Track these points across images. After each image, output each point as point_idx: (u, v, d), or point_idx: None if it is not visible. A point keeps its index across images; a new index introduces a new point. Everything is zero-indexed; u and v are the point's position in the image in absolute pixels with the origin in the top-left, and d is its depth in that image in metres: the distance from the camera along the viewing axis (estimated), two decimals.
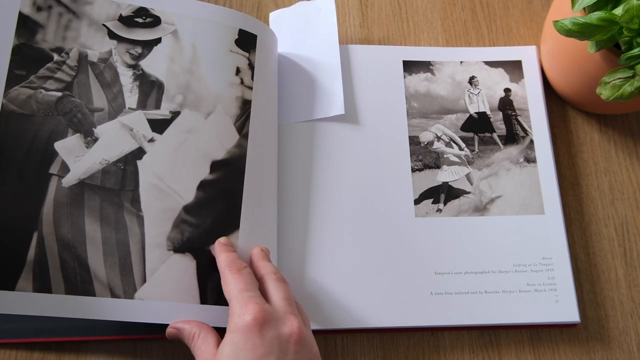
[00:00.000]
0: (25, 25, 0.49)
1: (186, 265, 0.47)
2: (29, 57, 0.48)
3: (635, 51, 0.46)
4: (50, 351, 0.50)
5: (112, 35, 0.51)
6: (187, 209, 0.48)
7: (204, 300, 0.46)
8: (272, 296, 0.44)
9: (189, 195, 0.49)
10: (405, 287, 0.52)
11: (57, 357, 0.50)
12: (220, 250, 0.47)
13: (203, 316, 0.46)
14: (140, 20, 0.51)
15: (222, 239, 0.48)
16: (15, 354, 0.50)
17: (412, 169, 0.57)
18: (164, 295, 0.46)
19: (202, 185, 0.49)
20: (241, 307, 0.42)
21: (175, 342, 0.48)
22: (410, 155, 0.57)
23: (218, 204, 0.49)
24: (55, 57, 0.49)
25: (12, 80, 0.47)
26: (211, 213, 0.49)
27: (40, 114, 0.47)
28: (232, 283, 0.44)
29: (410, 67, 0.61)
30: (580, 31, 0.47)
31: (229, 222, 0.49)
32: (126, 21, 0.51)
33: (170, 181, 0.48)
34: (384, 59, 0.61)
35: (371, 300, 0.52)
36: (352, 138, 0.57)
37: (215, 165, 0.50)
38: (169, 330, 0.45)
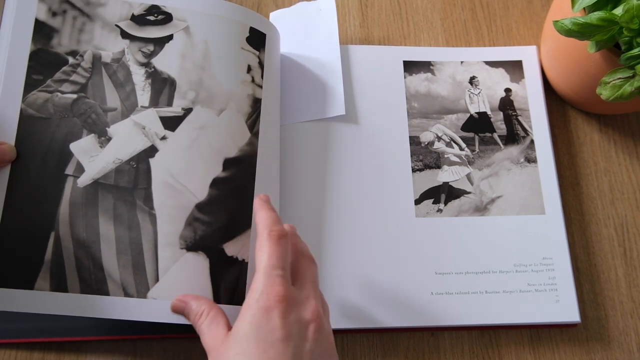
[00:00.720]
0: (42, 32, 0.49)
1: (199, 264, 0.47)
2: (45, 61, 0.49)
3: (635, 51, 0.46)
4: (50, 351, 0.50)
5: (124, 35, 0.51)
6: (199, 206, 0.48)
7: (217, 299, 0.46)
8: (301, 277, 0.43)
9: (202, 193, 0.48)
10: (405, 287, 0.52)
11: (57, 357, 0.50)
12: (260, 207, 0.45)
13: None
14: (152, 18, 0.51)
15: (262, 196, 0.46)
16: (15, 354, 0.50)
17: (412, 169, 0.57)
18: (177, 294, 0.45)
19: (215, 183, 0.49)
20: (267, 286, 0.40)
21: (175, 341, 0.48)
22: (411, 156, 0.57)
23: (231, 202, 0.49)
24: (71, 60, 0.49)
25: (30, 85, 0.48)
26: (223, 211, 0.48)
27: (57, 117, 0.48)
28: (266, 253, 0.41)
29: (410, 67, 0.61)
30: (580, 31, 0.47)
31: (241, 221, 0.48)
32: (138, 20, 0.51)
33: (182, 179, 0.48)
34: (384, 59, 0.61)
35: (371, 300, 0.52)
36: (353, 138, 0.57)
37: (227, 163, 0.50)
38: (175, 302, 0.44)
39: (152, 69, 0.50)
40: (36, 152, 0.47)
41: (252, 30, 0.54)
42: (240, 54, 0.53)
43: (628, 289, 0.55)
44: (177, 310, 0.44)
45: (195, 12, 0.52)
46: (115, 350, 0.50)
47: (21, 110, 0.47)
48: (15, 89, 0.47)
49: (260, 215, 0.44)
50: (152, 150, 0.48)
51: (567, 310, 0.52)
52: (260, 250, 0.42)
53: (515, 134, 0.59)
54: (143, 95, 0.50)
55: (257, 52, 0.54)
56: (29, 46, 0.48)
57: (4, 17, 0.49)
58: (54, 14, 0.50)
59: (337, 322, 0.51)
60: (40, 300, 0.44)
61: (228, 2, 0.54)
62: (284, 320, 0.39)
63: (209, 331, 0.42)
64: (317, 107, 0.57)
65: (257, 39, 0.54)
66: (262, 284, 0.40)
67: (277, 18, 0.62)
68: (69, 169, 0.47)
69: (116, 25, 0.51)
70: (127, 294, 0.45)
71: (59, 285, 0.45)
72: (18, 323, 0.49)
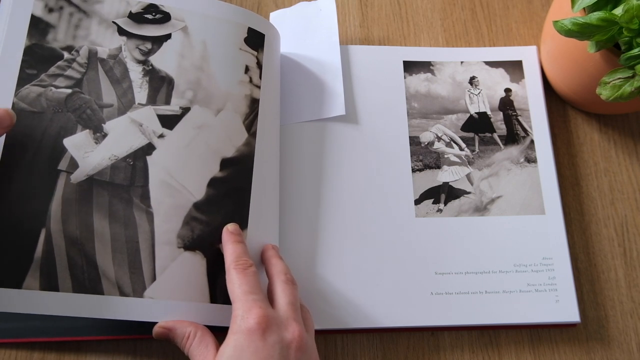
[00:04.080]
0: (37, 27, 0.49)
1: (196, 263, 0.46)
2: (40, 56, 0.48)
3: (635, 51, 0.46)
4: (50, 351, 0.50)
5: (121, 31, 0.51)
6: (197, 206, 0.48)
7: (213, 299, 0.46)
8: (278, 299, 0.44)
9: (200, 192, 0.48)
10: (405, 287, 0.52)
11: (57, 357, 0.50)
12: (227, 239, 0.46)
13: (213, 315, 0.46)
14: (150, 16, 0.51)
15: (230, 227, 0.47)
16: (15, 354, 0.50)
17: (412, 169, 0.57)
18: (174, 293, 0.45)
19: (213, 183, 0.49)
20: (245, 311, 0.41)
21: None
22: (411, 156, 0.57)
23: (228, 202, 0.49)
24: (66, 55, 0.49)
25: (23, 79, 0.47)
26: (221, 211, 0.48)
27: (50, 111, 0.47)
28: (236, 283, 0.43)
29: (410, 67, 0.61)
30: (580, 31, 0.47)
31: (237, 221, 0.48)
32: (136, 18, 0.51)
33: (180, 177, 0.48)
34: (384, 60, 0.61)
35: (371, 300, 0.52)
36: (353, 138, 0.57)
37: (225, 163, 0.50)
38: (157, 329, 0.44)
39: (150, 67, 0.50)
40: (28, 146, 0.46)
41: (251, 30, 0.54)
42: (238, 54, 0.53)
43: (628, 289, 0.55)
44: (160, 336, 0.44)
45: (193, 12, 0.52)
46: (115, 350, 0.50)
47: (13, 104, 0.47)
48: (7, 83, 0.47)
49: (227, 249, 0.46)
50: (149, 148, 0.48)
51: (567, 310, 0.52)
52: (230, 283, 0.44)
53: (515, 134, 0.59)
54: (140, 92, 0.50)
55: (255, 53, 0.54)
56: (23, 41, 0.48)
57: (0, 12, 0.49)
58: (51, 10, 0.49)
59: (338, 322, 0.51)
60: (29, 300, 0.43)
61: (226, 3, 0.55)
62: (264, 341, 0.40)
63: (199, 352, 0.43)
64: (317, 107, 0.57)
65: (255, 40, 0.54)
66: (240, 309, 0.42)
67: (277, 18, 0.62)
68: (62, 165, 0.46)
69: (113, 22, 0.51)
70: (122, 293, 0.44)
71: (50, 284, 0.44)
72: (18, 322, 0.49)
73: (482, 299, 0.53)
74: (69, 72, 0.49)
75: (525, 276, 0.53)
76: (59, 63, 0.49)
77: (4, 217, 0.44)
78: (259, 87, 0.53)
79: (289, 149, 0.56)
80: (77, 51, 0.49)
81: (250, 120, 0.51)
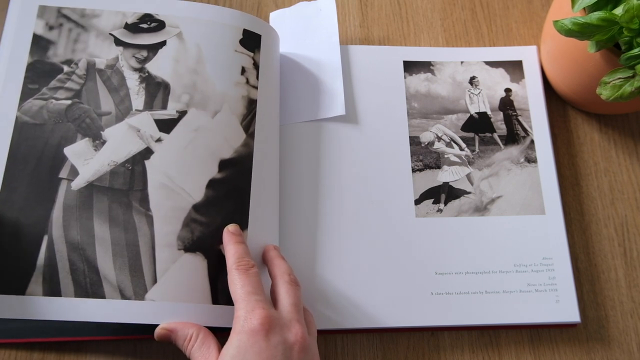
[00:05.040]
0: (39, 44, 0.51)
1: (197, 264, 0.47)
2: (41, 71, 0.50)
3: (635, 51, 0.46)
4: (50, 351, 0.50)
5: (118, 42, 0.52)
6: (196, 207, 0.48)
7: (215, 300, 0.46)
8: (281, 300, 0.44)
9: (199, 194, 0.48)
10: (405, 287, 0.52)
11: (57, 357, 0.50)
12: (229, 240, 0.47)
13: (215, 316, 0.46)
14: (145, 25, 0.53)
15: (231, 227, 0.48)
16: (15, 354, 0.50)
17: (412, 169, 0.57)
18: (175, 295, 0.45)
19: (211, 184, 0.49)
20: (248, 311, 0.41)
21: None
22: (411, 156, 0.57)
23: (227, 203, 0.49)
24: (65, 68, 0.51)
25: (26, 94, 0.49)
26: (220, 212, 0.48)
27: (51, 122, 0.49)
28: (239, 284, 0.43)
29: (410, 67, 0.61)
30: (580, 31, 0.47)
31: (237, 222, 0.49)
32: (132, 28, 0.53)
33: (179, 180, 0.48)
34: (384, 60, 0.61)
35: (371, 300, 0.52)
36: (353, 138, 0.57)
37: (223, 164, 0.50)
38: (158, 331, 0.44)
39: (146, 74, 0.51)
40: (30, 157, 0.47)
41: (246, 32, 0.54)
42: (233, 56, 0.53)
43: (628, 289, 0.55)
44: (162, 338, 0.44)
45: (187, 18, 0.54)
46: (115, 351, 0.50)
47: (16, 117, 0.48)
48: (11, 98, 0.49)
49: (229, 250, 0.46)
50: (147, 153, 0.49)
51: (567, 310, 0.52)
52: (232, 283, 0.44)
53: (515, 134, 0.59)
54: (137, 99, 0.51)
55: (252, 54, 0.54)
56: (26, 59, 0.50)
57: (4, 33, 0.51)
58: (51, 28, 0.51)
59: (338, 322, 0.51)
60: (33, 306, 0.44)
61: (220, 7, 0.55)
62: (267, 342, 0.40)
63: (200, 354, 0.43)
64: (317, 107, 0.57)
65: (251, 41, 0.55)
66: (243, 309, 0.42)
67: (277, 18, 0.62)
68: (63, 173, 0.47)
69: (110, 34, 0.52)
70: (124, 297, 0.45)
71: (52, 289, 0.44)
72: (17, 323, 0.49)
73: (482, 299, 0.53)
74: (68, 84, 0.50)
75: (525, 276, 0.53)
76: (59, 76, 0.50)
77: (8, 225, 0.45)
78: (256, 87, 0.53)
79: (288, 149, 0.56)
80: (76, 64, 0.51)
81: (248, 121, 0.52)
